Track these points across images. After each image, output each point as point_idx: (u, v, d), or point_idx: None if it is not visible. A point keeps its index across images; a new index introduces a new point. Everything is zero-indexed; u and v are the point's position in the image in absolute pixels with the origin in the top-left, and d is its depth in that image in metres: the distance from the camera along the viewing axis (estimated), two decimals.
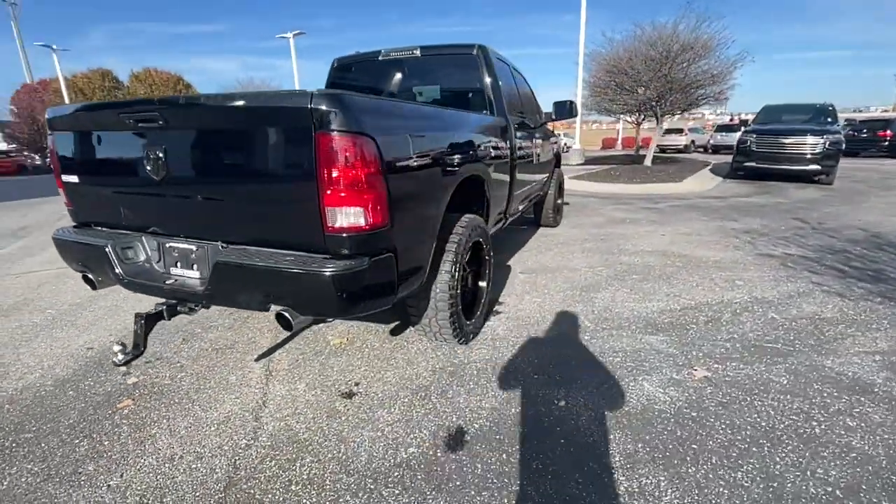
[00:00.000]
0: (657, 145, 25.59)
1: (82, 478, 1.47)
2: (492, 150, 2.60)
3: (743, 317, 2.65)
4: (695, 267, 3.64)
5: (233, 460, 1.54)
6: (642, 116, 14.32)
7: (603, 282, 3.31)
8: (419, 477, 1.45)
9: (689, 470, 1.45)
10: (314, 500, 1.37)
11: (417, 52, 3.16)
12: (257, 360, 2.25)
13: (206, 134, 1.54)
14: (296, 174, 1.40)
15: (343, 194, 1.36)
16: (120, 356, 1.53)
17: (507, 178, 2.99)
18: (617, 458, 1.52)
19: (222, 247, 1.61)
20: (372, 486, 1.41)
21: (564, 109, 4.08)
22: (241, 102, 1.38)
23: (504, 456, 1.55)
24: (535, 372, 2.08)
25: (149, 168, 1.57)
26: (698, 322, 2.59)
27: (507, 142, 2.99)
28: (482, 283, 2.57)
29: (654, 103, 10.71)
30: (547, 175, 4.58)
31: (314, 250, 1.46)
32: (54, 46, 26.26)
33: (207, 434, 1.68)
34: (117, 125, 1.61)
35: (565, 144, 14.14)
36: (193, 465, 1.52)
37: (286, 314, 1.44)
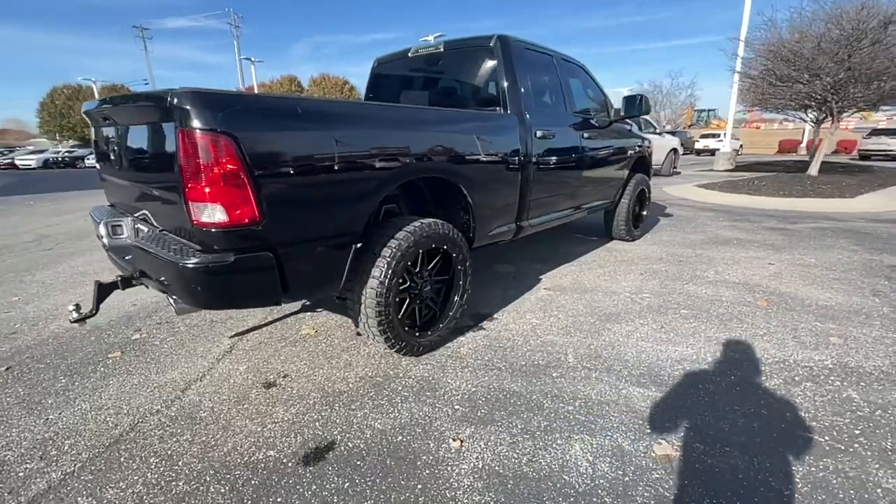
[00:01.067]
0: (860, 150, 19.93)
1: (38, 407, 1.83)
2: (479, 152, 2.37)
3: (799, 388, 1.91)
4: (783, 309, 2.76)
5: (136, 421, 1.73)
6: (823, 114, 11.33)
7: (636, 312, 2.74)
8: (252, 482, 1.42)
9: None
10: (155, 476, 1.45)
11: (441, 48, 3.04)
12: (231, 336, 2.48)
13: (127, 129, 1.75)
14: (170, 168, 1.48)
15: (204, 190, 1.39)
16: (74, 315, 1.86)
17: (515, 182, 2.69)
18: None
19: (159, 232, 1.82)
20: (208, 480, 1.43)
21: (634, 106, 3.50)
22: (130, 102, 1.53)
23: (347, 484, 1.41)
24: (458, 403, 1.84)
25: (113, 158, 1.85)
26: (721, 383, 1.96)
27: (521, 142, 2.68)
28: (457, 297, 2.37)
29: (828, 96, 8.36)
30: (614, 181, 3.98)
31: (194, 242, 1.53)
32: (252, 59, 33.00)
33: (140, 393, 1.92)
34: (102, 122, 1.94)
35: (696, 147, 11.86)
36: (108, 418, 1.76)
37: (171, 300, 1.56)
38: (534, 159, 2.78)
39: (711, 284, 3.24)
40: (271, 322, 2.66)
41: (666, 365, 2.12)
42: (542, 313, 2.76)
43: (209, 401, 1.87)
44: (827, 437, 1.60)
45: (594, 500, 1.34)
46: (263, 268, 1.54)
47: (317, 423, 1.71)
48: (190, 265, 1.43)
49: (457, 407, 1.81)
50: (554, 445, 1.58)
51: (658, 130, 12.03)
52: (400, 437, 1.62)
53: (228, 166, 1.38)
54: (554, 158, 3.00)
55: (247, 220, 1.46)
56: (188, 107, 1.34)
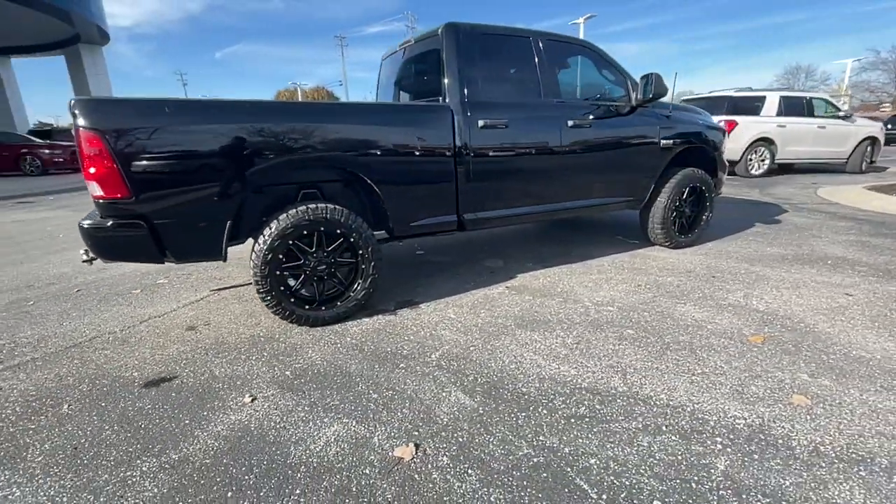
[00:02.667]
0: None
1: (64, 316, 2.70)
2: (386, 143, 2.43)
3: (651, 439, 1.52)
4: (779, 351, 2.09)
5: (95, 335, 2.42)
6: None
7: (569, 323, 2.43)
8: (104, 388, 1.90)
9: None
10: (68, 371, 2.06)
11: (412, 41, 3.10)
12: (211, 290, 3.11)
13: None
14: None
15: (89, 171, 1.89)
16: (84, 256, 2.63)
17: (445, 173, 2.64)
18: None
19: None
20: (85, 379, 1.98)
21: (649, 87, 2.99)
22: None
23: (155, 407, 1.77)
24: (293, 370, 2.03)
25: None
26: (561, 410, 1.68)
27: (456, 133, 2.61)
28: (360, 280, 2.51)
29: None
30: (631, 175, 3.41)
31: (97, 211, 2.07)
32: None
33: (117, 318, 2.64)
34: None
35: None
36: (84, 330, 2.50)
37: (82, 251, 2.15)
38: (473, 150, 2.67)
39: (715, 309, 2.59)
40: (249, 283, 3.23)
41: (525, 380, 1.90)
42: (469, 310, 2.66)
43: (144, 331, 2.47)
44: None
45: (323, 475, 1.41)
46: (137, 232, 2.00)
47: (182, 361, 2.13)
48: (84, 226, 1.98)
49: (287, 373, 2.01)
50: (317, 422, 1.66)
51: (845, 113, 9.16)
52: (218, 385, 1.92)
53: (99, 155, 1.86)
54: (509, 149, 2.80)
55: (119, 196, 1.92)
56: (76, 111, 1.85)
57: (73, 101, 1.87)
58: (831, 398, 1.73)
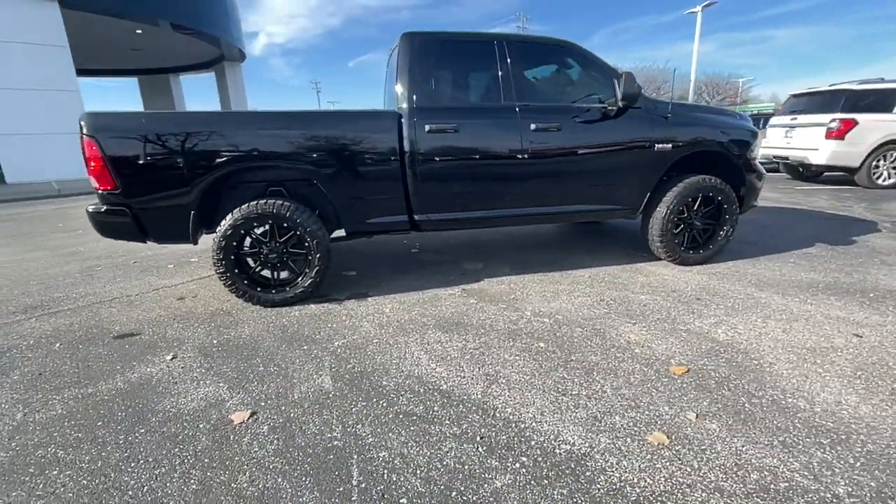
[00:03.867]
0: None
1: (111, 282, 3.46)
2: (330, 148, 2.67)
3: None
4: (695, 387, 1.85)
5: (113, 299, 3.08)
6: None
7: (485, 330, 2.41)
8: (86, 338, 2.46)
9: None
10: (80, 322, 2.69)
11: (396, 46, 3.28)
12: None
13: None
14: None
15: (89, 168, 2.46)
16: None
17: (392, 176, 2.78)
18: None
19: None
20: (83, 328, 2.57)
21: (619, 88, 2.80)
22: None
23: (110, 352, 2.26)
24: (214, 345, 2.38)
25: None
26: (384, 409, 1.74)
27: (403, 138, 2.74)
28: (307, 269, 2.79)
29: None
30: (615, 180, 3.14)
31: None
32: None
33: (140, 286, 3.31)
34: None
35: None
36: (110, 293, 3.18)
37: None
38: (421, 154, 2.77)
39: (663, 333, 2.33)
40: None
41: (393, 375, 1.98)
42: (406, 307, 2.77)
43: (150, 297, 3.07)
44: None
45: (168, 423, 1.73)
46: (123, 217, 2.53)
47: (153, 322, 2.63)
48: (89, 210, 2.57)
49: (214, 341, 2.36)
50: (200, 383, 1.97)
51: None
52: (162, 344, 2.35)
53: (94, 156, 2.41)
54: (459, 153, 2.83)
55: (108, 188, 2.47)
56: (81, 123, 2.43)
57: (81, 116, 2.46)
58: (699, 443, 1.51)
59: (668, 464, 1.42)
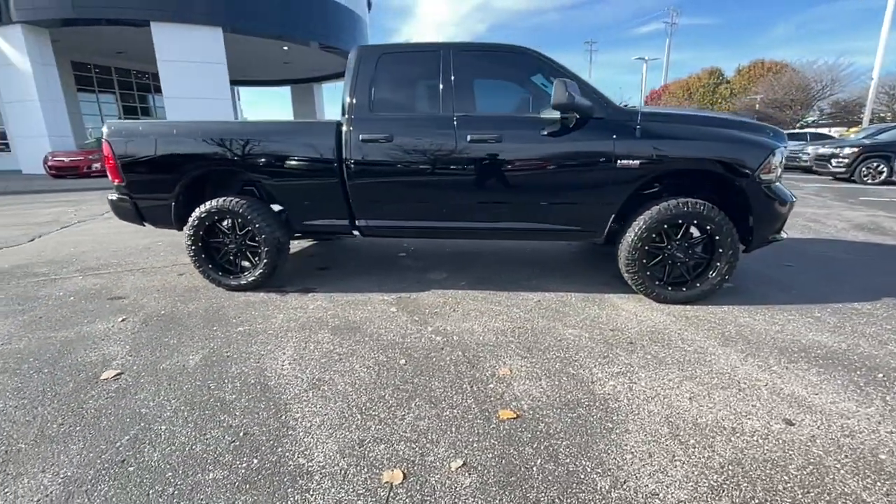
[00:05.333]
0: None
1: (153, 256, 4.32)
2: (274, 154, 2.97)
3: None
4: (543, 442, 1.68)
5: (140, 269, 3.86)
6: None
7: (374, 345, 2.45)
8: (82, 300, 3.17)
9: None
10: (84, 290, 3.46)
11: None
12: None
13: None
14: None
15: (107, 165, 3.16)
16: None
17: (329, 183, 2.96)
18: None
19: None
20: (79, 293, 3.31)
21: (553, 97, 2.56)
22: None
23: (86, 303, 2.90)
24: (162, 317, 2.85)
25: None
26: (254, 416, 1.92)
27: (341, 147, 2.89)
28: (256, 259, 3.14)
29: None
30: (569, 199, 2.82)
31: None
32: (646, 58, 32.86)
33: (169, 261, 4.07)
34: None
35: None
36: (143, 265, 3.98)
37: None
38: (355, 163, 2.89)
39: (538, 375, 2.08)
40: None
41: (242, 367, 2.17)
42: (329, 305, 2.93)
43: (164, 271, 3.77)
44: None
45: (64, 369, 2.22)
46: (128, 205, 3.19)
47: (142, 291, 3.25)
48: (109, 198, 3.30)
49: (162, 312, 2.84)
50: (114, 341, 2.42)
51: None
52: (129, 308, 2.92)
53: (107, 155, 3.09)
54: (391, 162, 2.86)
55: (117, 182, 3.14)
56: (104, 129, 3.13)
57: (107, 124, 3.18)
58: (430, 490, 1.38)
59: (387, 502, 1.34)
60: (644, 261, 2.81)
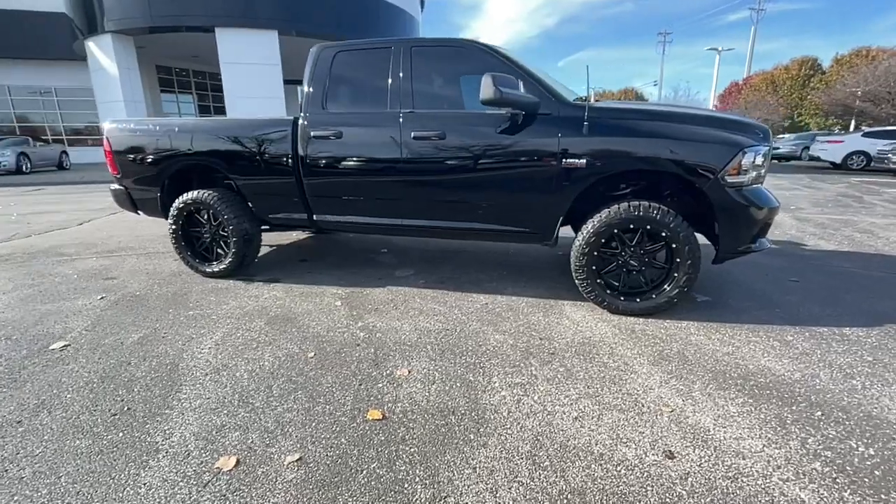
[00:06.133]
0: None
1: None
2: (237, 151, 3.14)
3: None
4: (395, 441, 1.68)
5: (146, 253, 4.25)
6: None
7: (301, 337, 2.52)
8: (73, 277, 3.55)
9: None
10: (91, 269, 3.86)
11: None
12: None
13: None
14: None
15: (107, 158, 3.51)
16: None
17: (286, 178, 3.07)
18: None
19: None
20: (90, 273, 3.70)
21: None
22: None
23: (80, 277, 3.26)
24: (135, 296, 3.13)
25: None
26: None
27: (296, 143, 2.99)
28: (226, 248, 3.34)
29: None
30: (509, 198, 2.71)
31: None
32: (719, 49, 30.02)
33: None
34: None
35: None
36: (151, 248, 4.37)
37: None
38: (309, 159, 2.97)
39: (443, 377, 2.03)
40: None
41: (161, 346, 2.33)
42: (283, 296, 3.05)
43: (165, 255, 4.13)
44: None
45: (34, 338, 2.53)
46: (125, 195, 3.53)
47: (133, 274, 3.58)
48: (110, 188, 3.66)
49: (137, 293, 3.12)
50: (81, 317, 2.70)
51: None
52: (114, 287, 3.24)
53: (107, 150, 3.44)
54: (340, 159, 2.90)
55: (115, 174, 3.49)
56: (104, 126, 3.48)
57: (108, 120, 3.54)
58: (260, 475, 1.41)
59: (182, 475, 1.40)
60: (594, 267, 2.62)
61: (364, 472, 1.46)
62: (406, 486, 1.40)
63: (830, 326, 2.47)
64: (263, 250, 4.30)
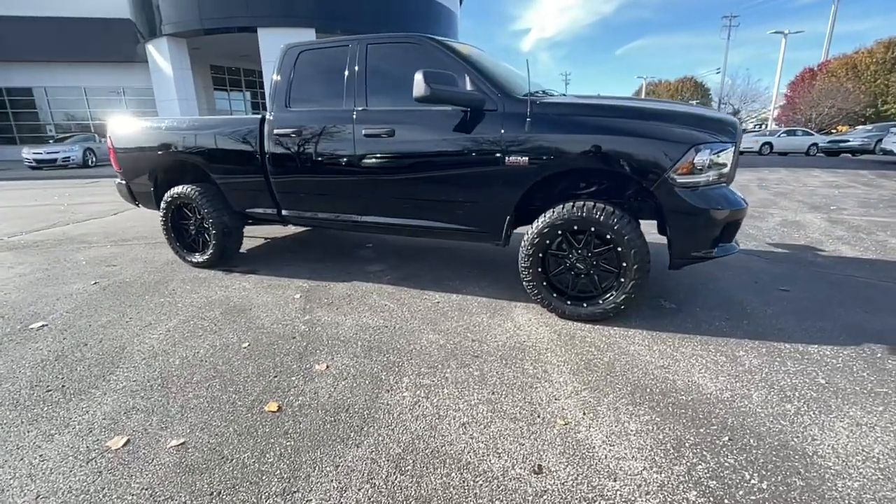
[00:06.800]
0: None
1: None
2: (213, 148, 3.30)
3: None
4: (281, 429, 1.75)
5: (152, 242, 4.58)
6: None
7: (250, 327, 2.64)
8: (85, 264, 3.89)
9: None
10: (103, 256, 4.22)
11: None
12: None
13: None
14: None
15: (111, 155, 3.82)
16: None
17: (255, 175, 3.20)
18: None
19: None
20: (99, 259, 4.05)
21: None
22: None
23: (89, 264, 3.59)
24: (106, 276, 3.40)
25: None
26: None
27: (261, 140, 3.11)
28: (207, 237, 3.54)
29: None
30: (452, 195, 2.68)
31: None
32: (785, 31, 27.30)
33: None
34: None
35: None
36: (156, 236, 4.72)
37: None
38: (273, 156, 3.08)
39: (361, 376, 2.06)
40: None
41: (115, 330, 2.53)
42: (252, 287, 3.19)
43: (164, 246, 4.44)
44: None
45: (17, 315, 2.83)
46: (125, 189, 3.83)
47: (132, 262, 3.89)
48: (115, 182, 3.98)
49: (126, 278, 3.39)
50: (60, 299, 2.98)
51: None
52: (113, 272, 3.54)
53: (111, 148, 3.74)
54: (300, 157, 2.98)
55: (118, 169, 3.79)
56: (106, 125, 3.78)
57: (110, 120, 3.84)
58: (141, 455, 1.52)
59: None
60: (540, 269, 2.52)
61: (232, 461, 1.52)
62: (264, 477, 1.44)
63: (796, 343, 2.23)
64: (257, 242, 4.54)
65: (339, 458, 1.53)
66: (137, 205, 3.99)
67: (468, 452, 1.54)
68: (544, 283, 2.54)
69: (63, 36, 20.25)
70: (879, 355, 2.09)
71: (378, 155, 2.77)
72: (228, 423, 1.72)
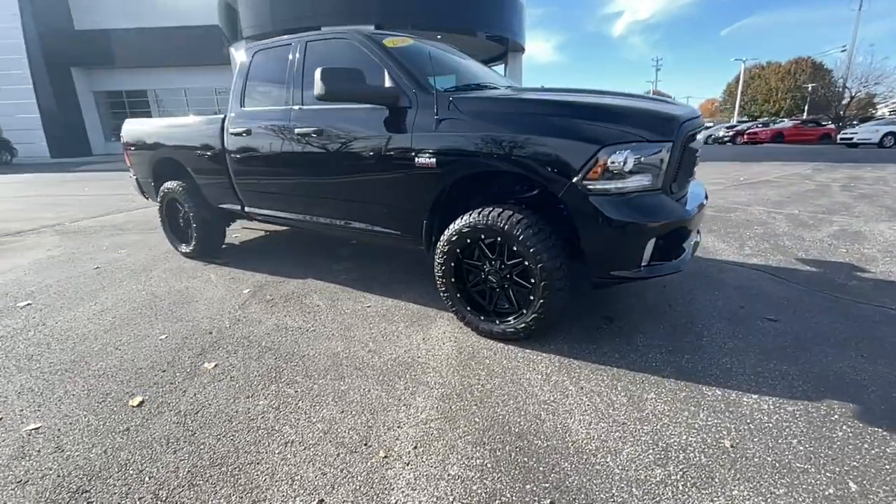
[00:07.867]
0: None
1: None
2: (187, 147, 3.50)
3: None
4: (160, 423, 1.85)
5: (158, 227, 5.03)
6: None
7: (184, 322, 2.79)
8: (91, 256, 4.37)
9: None
10: (117, 243, 4.70)
11: None
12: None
13: None
14: None
15: (124, 153, 4.24)
16: None
17: (220, 173, 3.34)
18: None
19: None
20: (115, 244, 4.53)
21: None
22: None
23: (95, 250, 4.05)
24: (98, 268, 3.76)
25: None
26: None
27: (222, 139, 3.24)
28: (190, 230, 3.80)
29: None
30: (369, 196, 2.60)
31: None
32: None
33: None
34: None
35: None
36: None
37: None
38: (230, 154, 3.19)
39: (248, 376, 2.09)
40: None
41: (71, 316, 2.79)
42: (214, 278, 3.37)
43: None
44: None
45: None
46: (135, 182, 4.24)
47: (132, 246, 4.31)
48: (129, 176, 4.42)
49: (117, 258, 3.77)
50: (48, 283, 3.38)
51: None
52: (110, 257, 3.95)
53: (123, 146, 4.16)
54: (250, 156, 3.04)
55: (128, 165, 4.20)
56: (121, 125, 4.20)
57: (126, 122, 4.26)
58: (5, 431, 1.68)
59: None
60: (453, 279, 2.33)
61: (65, 453, 1.60)
62: (72, 471, 1.50)
63: (732, 390, 1.81)
64: (253, 234, 4.79)
65: (152, 462, 1.54)
66: (146, 198, 4.40)
67: (265, 476, 1.46)
68: (458, 296, 2.35)
69: (169, 44, 23.11)
70: (835, 418, 1.61)
71: (310, 154, 2.75)
72: (88, 412, 1.81)
